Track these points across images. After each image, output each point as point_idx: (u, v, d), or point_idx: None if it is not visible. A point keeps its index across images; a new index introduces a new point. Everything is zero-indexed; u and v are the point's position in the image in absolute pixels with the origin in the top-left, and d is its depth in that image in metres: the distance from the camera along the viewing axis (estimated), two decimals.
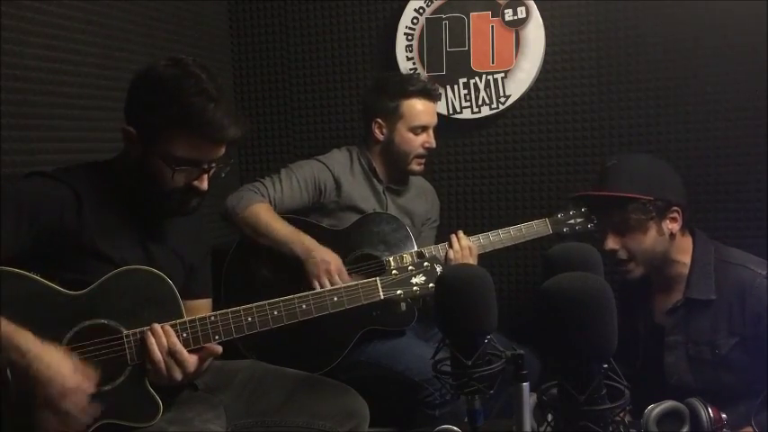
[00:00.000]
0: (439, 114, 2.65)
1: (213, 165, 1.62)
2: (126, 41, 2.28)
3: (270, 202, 2.23)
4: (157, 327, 1.52)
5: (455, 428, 1.34)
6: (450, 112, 2.75)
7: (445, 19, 2.72)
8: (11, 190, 1.48)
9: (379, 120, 2.37)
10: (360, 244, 2.26)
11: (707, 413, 1.50)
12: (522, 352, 1.12)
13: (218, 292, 2.21)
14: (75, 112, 2.06)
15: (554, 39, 2.65)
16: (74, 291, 1.49)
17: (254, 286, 2.23)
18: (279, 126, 2.98)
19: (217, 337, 1.58)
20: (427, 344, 2.24)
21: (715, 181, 2.52)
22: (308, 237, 2.17)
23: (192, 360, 1.54)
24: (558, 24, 2.65)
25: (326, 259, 2.13)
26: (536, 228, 2.30)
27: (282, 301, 1.66)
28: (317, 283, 2.10)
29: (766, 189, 2.45)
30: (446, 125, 2.71)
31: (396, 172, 2.41)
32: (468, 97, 2.72)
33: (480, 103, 2.72)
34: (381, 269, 2.22)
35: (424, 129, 2.35)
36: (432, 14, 2.73)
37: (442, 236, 2.52)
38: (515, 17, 2.65)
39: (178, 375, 1.53)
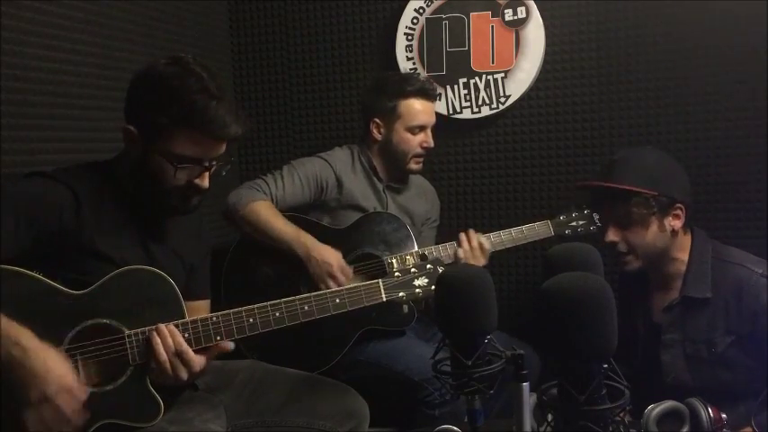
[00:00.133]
0: (439, 114, 2.65)
1: (214, 162, 1.62)
2: (126, 41, 2.28)
3: (271, 199, 2.23)
4: (163, 327, 1.52)
5: (455, 428, 1.35)
6: (450, 112, 2.75)
7: (445, 19, 2.72)
8: (10, 190, 1.48)
9: (377, 120, 2.37)
10: (360, 243, 2.26)
11: (707, 413, 1.50)
12: (522, 352, 1.12)
13: (218, 292, 2.21)
14: (75, 112, 2.06)
15: (554, 39, 2.65)
16: (75, 290, 1.49)
17: (255, 286, 2.23)
18: (279, 125, 2.98)
19: (218, 338, 1.58)
20: (427, 344, 2.24)
21: (715, 181, 2.52)
22: (309, 235, 2.18)
23: (197, 360, 1.54)
24: (558, 24, 2.65)
25: (327, 260, 2.13)
26: (537, 229, 2.30)
27: (284, 302, 1.66)
28: (321, 285, 2.10)
29: (766, 189, 2.45)
30: (446, 125, 2.72)
31: (395, 171, 2.41)
32: (468, 97, 2.73)
33: (480, 103, 2.72)
34: (382, 268, 2.22)
35: (422, 128, 2.35)
36: (432, 14, 2.73)
37: (442, 236, 2.53)
38: (515, 17, 2.65)
39: (184, 375, 1.53)
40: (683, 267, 1.94)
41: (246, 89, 2.99)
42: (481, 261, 2.22)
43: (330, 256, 2.14)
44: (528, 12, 2.63)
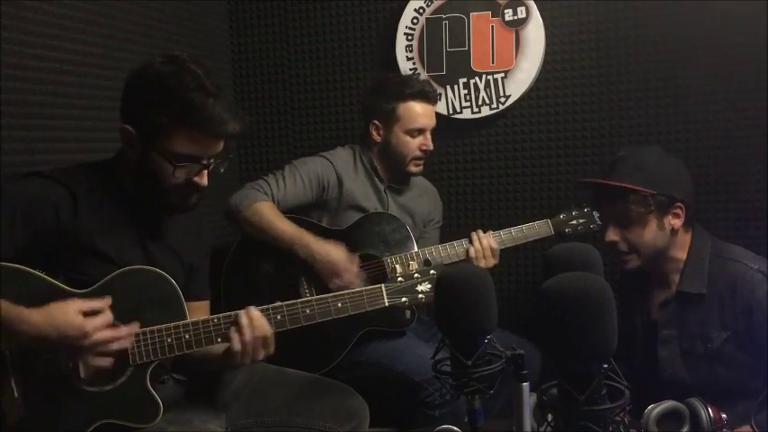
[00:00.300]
0: (439, 114, 2.65)
1: (213, 160, 1.62)
2: (126, 41, 2.28)
3: (273, 199, 2.23)
4: (254, 309, 1.59)
5: (455, 428, 1.35)
6: (450, 112, 2.75)
7: (445, 19, 2.72)
8: (8, 190, 1.49)
9: (377, 122, 2.37)
10: (360, 244, 2.26)
11: (707, 413, 1.50)
12: (522, 352, 1.12)
13: (219, 293, 2.21)
14: (75, 112, 2.06)
15: (554, 39, 2.65)
16: (76, 289, 1.49)
17: (255, 286, 2.23)
18: (279, 125, 2.98)
19: (219, 340, 1.59)
20: (427, 344, 2.24)
21: (715, 181, 2.52)
22: (311, 235, 2.17)
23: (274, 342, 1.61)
24: (558, 24, 2.65)
25: (332, 259, 2.12)
26: (538, 228, 2.30)
27: (286, 305, 1.66)
28: (330, 285, 2.11)
29: (766, 189, 2.45)
30: (446, 125, 2.71)
31: (395, 172, 2.41)
32: (468, 97, 2.73)
33: (480, 103, 2.72)
34: (382, 269, 2.22)
35: (421, 131, 2.34)
36: (432, 14, 2.73)
37: (443, 236, 2.53)
38: (515, 17, 2.65)
39: (261, 357, 1.60)
40: (681, 265, 1.94)
41: (246, 89, 2.99)
42: (491, 261, 2.23)
43: (334, 255, 2.14)
44: (528, 12, 2.63)
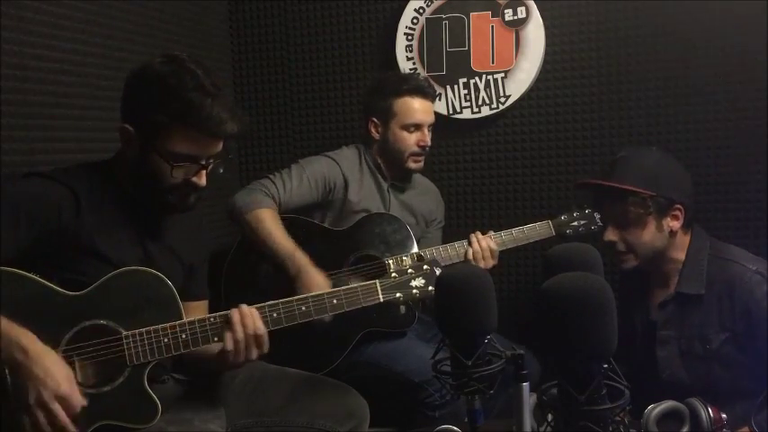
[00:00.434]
0: (439, 114, 2.65)
1: (211, 160, 1.61)
2: (126, 41, 2.28)
3: (278, 200, 2.22)
4: (245, 307, 1.58)
5: (455, 429, 1.35)
6: (450, 112, 2.75)
7: (445, 19, 2.72)
8: (9, 191, 1.48)
9: (375, 119, 2.37)
10: (361, 244, 2.26)
11: (707, 413, 1.50)
12: (522, 352, 1.12)
13: (219, 292, 2.21)
14: (75, 112, 2.06)
15: (554, 39, 2.65)
16: (73, 291, 1.49)
17: (255, 286, 2.23)
18: (279, 125, 2.98)
19: (216, 339, 1.58)
20: (428, 345, 2.24)
21: (715, 181, 2.52)
22: (304, 257, 2.13)
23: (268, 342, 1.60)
24: (558, 24, 2.65)
25: (310, 286, 2.06)
26: (539, 229, 2.30)
27: (282, 302, 1.66)
28: None
29: (766, 189, 2.45)
30: (446, 125, 2.72)
31: (396, 170, 2.41)
32: (468, 97, 2.72)
33: (480, 103, 2.72)
34: (383, 270, 2.22)
35: (418, 127, 2.34)
36: (432, 14, 2.73)
37: (445, 238, 2.52)
38: (515, 17, 2.65)
39: (254, 356, 1.59)
40: (680, 266, 1.94)
41: (246, 89, 2.99)
42: (491, 262, 2.22)
43: (315, 284, 2.08)
44: (528, 12, 2.63)
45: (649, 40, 2.56)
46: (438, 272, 1.81)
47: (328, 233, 2.27)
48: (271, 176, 2.28)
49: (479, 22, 2.69)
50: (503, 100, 2.69)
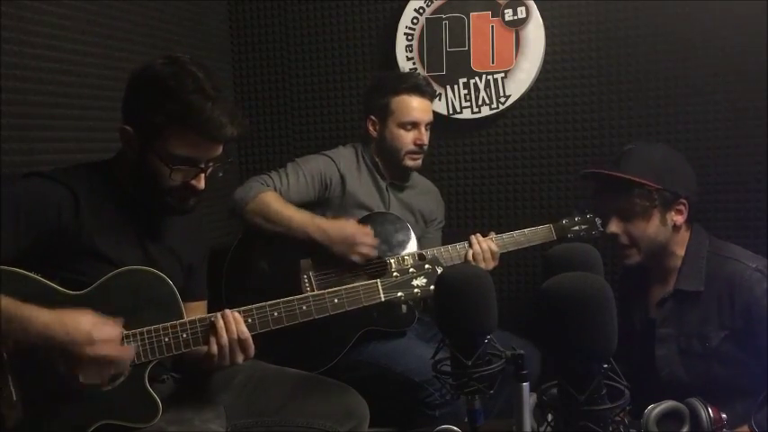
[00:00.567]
0: (439, 114, 2.66)
1: (211, 164, 1.61)
2: (126, 41, 2.28)
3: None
4: (228, 312, 1.57)
5: (455, 428, 1.35)
6: (450, 112, 2.75)
7: (445, 19, 2.72)
8: (9, 191, 1.48)
9: (373, 117, 2.38)
10: None
11: (707, 413, 1.50)
12: (522, 352, 1.12)
13: (220, 291, 2.21)
14: (75, 112, 2.06)
15: (554, 39, 2.65)
16: (73, 291, 1.49)
17: (256, 286, 2.23)
18: (279, 125, 2.98)
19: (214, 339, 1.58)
20: (428, 344, 2.24)
21: (715, 181, 2.52)
22: (322, 218, 2.17)
23: (253, 346, 1.59)
24: (558, 24, 2.65)
25: (349, 234, 2.12)
26: (540, 233, 2.31)
27: (283, 302, 1.66)
28: (354, 259, 2.12)
29: (766, 189, 2.45)
30: (446, 125, 2.72)
31: (394, 168, 2.42)
32: (468, 97, 2.72)
33: (480, 103, 2.72)
34: (384, 269, 2.22)
35: (415, 125, 2.34)
36: (432, 14, 2.73)
37: (445, 238, 2.52)
38: (515, 17, 2.65)
39: (240, 360, 1.58)
40: (679, 262, 1.94)
41: (246, 89, 2.99)
42: (491, 264, 2.23)
43: (349, 229, 2.13)
44: (528, 12, 2.63)
45: (649, 40, 2.56)
46: (440, 271, 1.81)
47: None
48: (268, 173, 2.29)
49: (479, 22, 2.69)
50: (503, 100, 2.69)
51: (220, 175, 1.67)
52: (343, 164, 2.35)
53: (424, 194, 2.55)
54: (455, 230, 2.69)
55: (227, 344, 1.56)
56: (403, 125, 2.34)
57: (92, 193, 1.56)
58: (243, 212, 2.19)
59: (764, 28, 2.41)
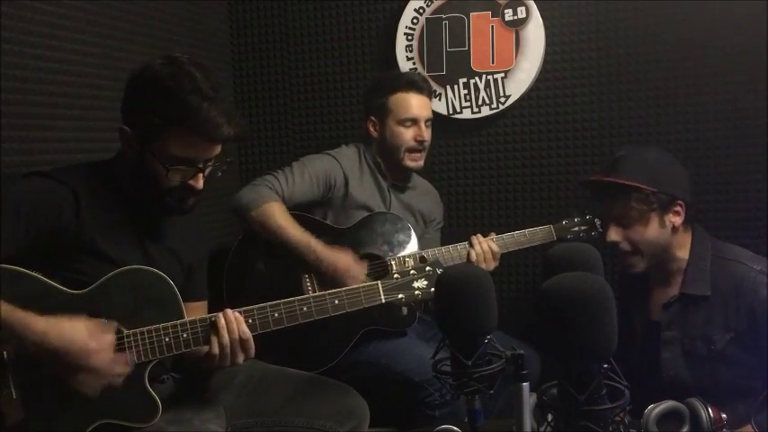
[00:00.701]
0: (439, 114, 2.66)
1: (209, 164, 1.61)
2: (126, 41, 2.28)
3: (281, 195, 2.23)
4: (229, 312, 1.57)
5: (455, 428, 1.35)
6: (450, 112, 2.75)
7: (445, 19, 2.72)
8: (9, 191, 1.48)
9: (372, 118, 2.40)
10: (363, 244, 2.26)
11: (707, 413, 1.50)
12: (522, 352, 1.12)
13: (220, 292, 2.21)
14: (75, 112, 2.06)
15: (554, 39, 2.65)
16: (74, 290, 1.49)
17: (257, 285, 2.23)
18: (279, 125, 2.98)
19: (215, 339, 1.58)
20: (428, 344, 2.24)
21: (715, 181, 2.52)
22: (319, 242, 2.16)
23: (254, 346, 1.60)
24: (558, 24, 2.65)
25: (340, 268, 2.12)
26: (540, 234, 2.31)
27: (283, 303, 1.66)
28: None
29: (766, 189, 2.45)
30: (446, 125, 2.72)
31: (396, 168, 2.42)
32: (468, 97, 2.72)
33: (480, 103, 2.72)
34: (385, 269, 2.22)
35: (414, 121, 2.35)
36: (432, 14, 2.73)
37: (445, 238, 2.53)
38: (515, 17, 2.65)
39: (241, 360, 1.58)
40: (683, 265, 1.94)
41: (246, 89, 2.98)
42: (492, 264, 2.23)
43: (342, 262, 2.13)
44: (528, 12, 2.63)
45: (649, 40, 2.56)
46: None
47: (331, 231, 2.27)
48: (273, 173, 2.29)
49: (479, 22, 2.69)
50: (503, 100, 2.69)
51: (219, 175, 1.67)
52: (346, 164, 2.36)
53: (424, 195, 2.55)
54: (455, 230, 2.69)
55: (229, 344, 1.56)
56: (402, 122, 2.34)
57: (92, 193, 1.56)
58: (246, 218, 2.20)
59: (764, 28, 2.41)
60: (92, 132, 2.10)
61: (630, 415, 1.48)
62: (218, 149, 1.61)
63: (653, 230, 1.91)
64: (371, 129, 2.40)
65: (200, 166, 1.59)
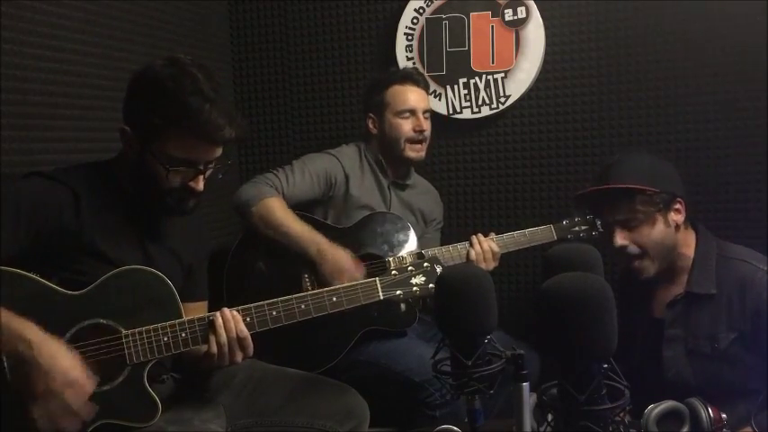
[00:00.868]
0: (439, 114, 2.66)
1: (209, 165, 1.61)
2: (126, 41, 2.28)
3: (282, 192, 2.24)
4: (227, 311, 1.57)
5: (455, 428, 1.35)
6: (450, 112, 2.75)
7: (445, 19, 2.72)
8: (9, 191, 1.48)
9: (372, 114, 2.41)
10: (363, 243, 2.26)
11: (707, 413, 1.50)
12: (522, 352, 1.12)
13: (221, 292, 2.21)
14: (75, 112, 2.06)
15: (554, 39, 2.65)
16: (72, 291, 1.49)
17: (257, 284, 2.23)
18: (279, 126, 2.98)
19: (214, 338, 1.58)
20: (428, 344, 2.24)
21: (715, 181, 2.52)
22: (321, 236, 2.17)
23: (252, 345, 1.59)
24: (558, 24, 2.65)
25: (339, 266, 2.12)
26: (541, 233, 2.31)
27: (281, 301, 1.66)
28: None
29: (766, 189, 2.45)
30: (446, 125, 2.72)
31: (397, 164, 2.42)
32: (468, 97, 2.72)
33: (480, 103, 2.72)
34: (384, 269, 2.22)
35: (412, 112, 2.36)
36: (432, 14, 2.73)
37: (445, 238, 2.53)
38: (515, 17, 2.65)
39: (239, 359, 1.58)
40: (688, 263, 1.94)
41: (246, 89, 2.99)
42: (492, 264, 2.23)
43: (342, 261, 2.13)
44: (528, 12, 2.63)
45: (649, 40, 2.56)
46: (439, 269, 1.81)
47: (331, 230, 2.27)
48: (273, 171, 2.30)
49: (479, 22, 2.69)
50: (503, 100, 2.69)
51: (220, 176, 1.67)
52: (347, 163, 2.36)
53: (425, 194, 2.56)
54: (455, 230, 2.69)
55: (227, 343, 1.56)
56: (400, 114, 2.36)
57: (92, 193, 1.56)
58: (246, 214, 2.20)
59: (764, 28, 2.41)
60: (92, 132, 2.10)
61: (630, 415, 1.48)
62: (218, 151, 1.60)
63: (659, 230, 1.91)
64: (371, 126, 2.41)
65: (201, 167, 1.59)
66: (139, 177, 1.59)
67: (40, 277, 1.46)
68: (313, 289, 2.17)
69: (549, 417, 1.02)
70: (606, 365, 0.98)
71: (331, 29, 2.88)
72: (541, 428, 1.04)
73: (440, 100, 2.72)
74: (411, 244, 2.28)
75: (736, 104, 2.49)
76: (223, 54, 2.94)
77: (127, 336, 1.51)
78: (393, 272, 1.81)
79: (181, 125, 1.52)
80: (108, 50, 2.20)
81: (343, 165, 2.35)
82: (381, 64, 2.82)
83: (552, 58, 2.66)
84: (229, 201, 2.27)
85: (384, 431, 2.15)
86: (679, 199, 1.92)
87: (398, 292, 1.80)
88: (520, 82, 2.67)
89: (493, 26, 2.68)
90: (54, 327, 1.44)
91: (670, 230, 1.92)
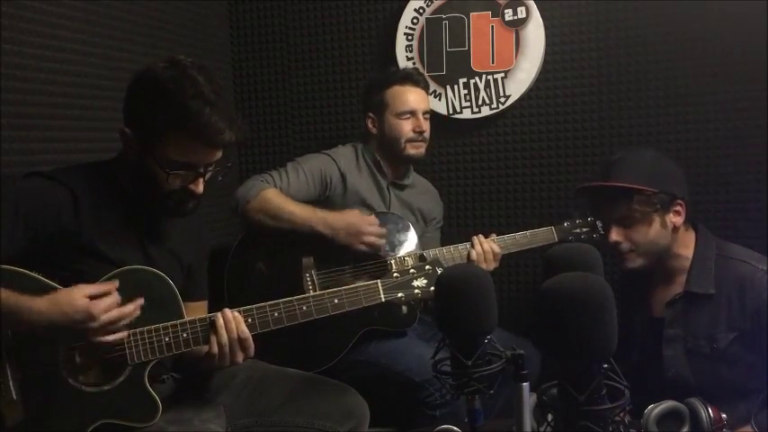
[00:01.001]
0: (439, 114, 2.66)
1: (210, 168, 1.61)
2: (127, 42, 2.28)
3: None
4: (228, 312, 1.58)
5: (455, 428, 1.35)
6: (450, 112, 2.74)
7: (445, 19, 2.72)
8: (9, 191, 1.49)
9: (371, 114, 2.41)
10: None
11: (707, 413, 1.51)
12: (522, 352, 1.12)
13: (221, 291, 2.21)
14: (75, 112, 2.06)
15: (554, 39, 2.65)
16: None
17: (258, 285, 2.23)
18: (279, 126, 2.98)
19: (215, 338, 1.58)
20: (428, 344, 2.24)
21: (715, 181, 2.52)
22: (324, 210, 2.18)
23: (253, 345, 1.60)
24: (558, 24, 2.65)
25: (351, 222, 2.13)
26: (542, 235, 2.31)
27: (283, 302, 1.66)
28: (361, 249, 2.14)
29: (766, 189, 2.45)
30: (446, 125, 2.72)
31: (397, 163, 2.42)
32: (468, 97, 2.72)
33: (480, 103, 2.72)
34: (385, 269, 2.22)
35: (412, 113, 2.36)
36: (432, 14, 2.73)
37: (445, 238, 2.53)
38: (515, 17, 2.65)
39: (240, 360, 1.59)
40: (687, 263, 1.94)
41: (246, 89, 2.98)
42: (492, 265, 2.23)
43: (350, 217, 2.14)
44: (528, 12, 2.63)
45: (649, 40, 2.56)
46: (440, 272, 1.81)
47: None
48: (268, 172, 2.30)
49: (479, 22, 2.69)
50: (503, 100, 2.69)
51: (220, 179, 1.67)
52: (343, 162, 2.36)
53: (424, 194, 2.56)
54: (455, 230, 2.69)
55: (228, 343, 1.56)
56: (400, 114, 2.35)
57: (92, 194, 1.56)
58: (245, 210, 2.20)
59: (764, 28, 2.41)
60: (92, 132, 2.10)
61: (630, 415, 1.48)
62: (218, 154, 1.60)
63: (655, 231, 1.91)
64: (370, 126, 2.41)
65: (201, 170, 1.59)
66: (139, 178, 1.59)
67: (42, 277, 1.46)
68: (314, 289, 2.17)
69: (549, 417, 1.02)
70: (606, 365, 0.98)
71: (331, 29, 2.88)
72: (541, 428, 1.04)
73: (440, 100, 2.72)
74: (412, 243, 2.28)
75: (736, 104, 2.49)
76: (223, 54, 2.94)
77: (128, 335, 1.51)
78: (395, 274, 1.81)
79: (181, 128, 1.52)
80: (108, 50, 2.20)
81: (339, 164, 2.35)
82: (381, 64, 2.82)
83: (552, 58, 2.66)
84: (228, 202, 2.27)
85: (384, 431, 2.15)
86: (680, 201, 1.92)
87: (400, 295, 1.80)
88: (520, 82, 2.67)
89: (493, 26, 2.68)
90: None
91: (666, 231, 1.92)
